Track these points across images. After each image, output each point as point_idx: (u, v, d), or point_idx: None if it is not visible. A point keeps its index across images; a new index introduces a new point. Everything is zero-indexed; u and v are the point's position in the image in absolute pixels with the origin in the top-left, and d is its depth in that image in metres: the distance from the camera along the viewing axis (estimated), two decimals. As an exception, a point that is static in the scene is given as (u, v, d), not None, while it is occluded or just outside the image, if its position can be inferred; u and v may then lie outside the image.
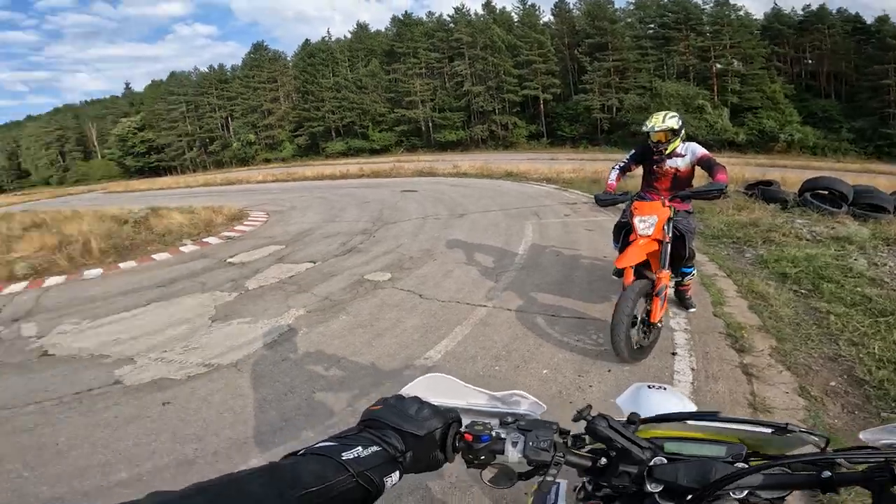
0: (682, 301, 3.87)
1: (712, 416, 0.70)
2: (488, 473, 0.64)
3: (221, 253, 7.49)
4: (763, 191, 8.06)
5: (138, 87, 70.61)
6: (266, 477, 0.47)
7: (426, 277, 5.27)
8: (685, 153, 3.50)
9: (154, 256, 7.77)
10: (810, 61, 42.83)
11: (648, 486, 0.62)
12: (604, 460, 0.65)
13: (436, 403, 0.68)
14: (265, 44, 59.41)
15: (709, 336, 3.46)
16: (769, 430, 0.66)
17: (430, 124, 48.61)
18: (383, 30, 55.51)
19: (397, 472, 0.57)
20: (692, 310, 3.81)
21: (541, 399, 0.71)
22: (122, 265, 7.38)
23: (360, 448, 0.54)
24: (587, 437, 0.67)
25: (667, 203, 3.15)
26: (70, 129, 65.86)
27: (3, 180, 65.79)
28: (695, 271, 3.81)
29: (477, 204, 10.17)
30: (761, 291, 4.15)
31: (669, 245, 3.09)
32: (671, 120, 3.42)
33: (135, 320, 4.79)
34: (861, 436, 0.64)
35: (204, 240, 8.66)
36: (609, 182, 3.69)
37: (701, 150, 3.46)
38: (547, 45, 45.07)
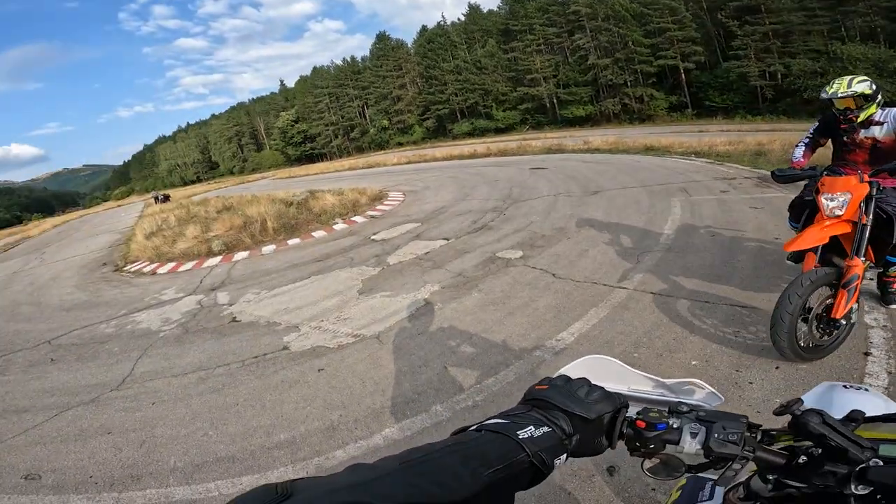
0: (883, 295, 3.21)
1: None
2: (649, 463, 0.61)
3: (366, 230, 8.27)
4: None
5: (290, 83, 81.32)
6: (459, 454, 0.47)
7: (559, 256, 5.11)
8: (885, 119, 2.91)
9: (313, 234, 8.93)
10: None
11: (854, 489, 0.56)
12: (803, 458, 0.59)
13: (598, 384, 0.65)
14: (387, 33, 62.68)
15: None
16: None
17: (555, 100, 47.04)
18: (496, 9, 54.71)
19: (565, 455, 0.56)
20: (893, 306, 3.16)
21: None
22: (289, 242, 8.64)
23: (532, 427, 0.54)
24: (775, 432, 0.62)
25: (865, 178, 2.60)
26: (244, 124, 79.12)
27: (199, 171, 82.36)
28: None
29: (613, 180, 9.48)
30: None
31: (868, 228, 2.56)
32: (861, 84, 2.84)
33: (299, 291, 5.55)
34: None
35: (352, 218, 9.65)
36: (794, 160, 3.25)
37: None
38: (681, 10, 39.87)
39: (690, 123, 34.61)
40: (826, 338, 2.62)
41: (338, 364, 3.56)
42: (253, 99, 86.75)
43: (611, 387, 0.67)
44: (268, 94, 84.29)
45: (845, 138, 3.09)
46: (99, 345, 5.00)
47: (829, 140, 3.26)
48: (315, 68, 69.85)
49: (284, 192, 15.24)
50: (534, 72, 47.11)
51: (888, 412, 0.78)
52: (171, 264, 8.65)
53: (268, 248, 8.41)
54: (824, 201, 2.65)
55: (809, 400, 0.87)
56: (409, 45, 60.49)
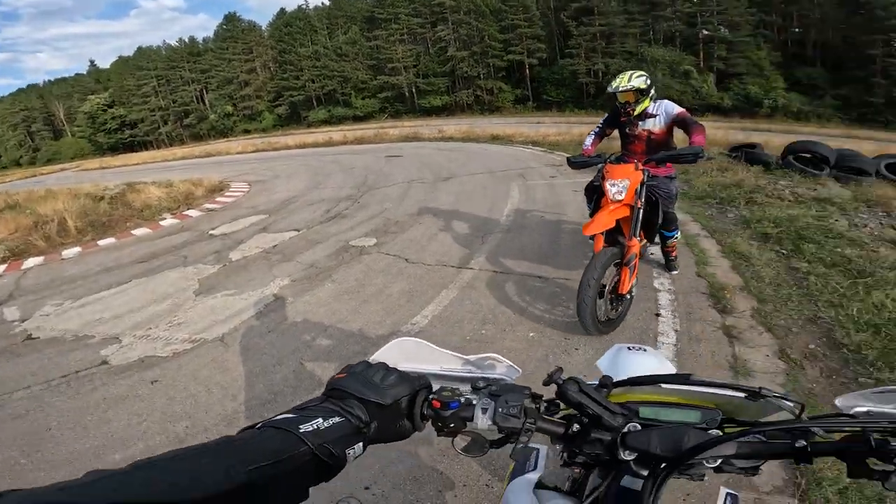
0: (667, 263, 3.81)
1: (685, 378, 0.66)
2: (461, 441, 0.61)
3: (203, 225, 7.34)
4: (747, 153, 8.08)
5: (103, 63, 68.44)
6: (215, 452, 0.44)
7: (412, 241, 5.23)
8: (657, 112, 3.28)
9: (134, 232, 7.59)
10: (798, 29, 42.73)
11: (622, 454, 0.60)
12: (576, 427, 0.62)
13: (407, 369, 0.64)
14: (238, 14, 57.23)
15: (692, 297, 3.45)
16: (742, 395, 0.63)
17: (415, 90, 47.80)
18: (362, -4, 53.64)
19: (361, 444, 0.54)
20: (675, 272, 3.77)
21: (527, 362, 0.68)
22: (100, 242, 7.20)
23: (320, 420, 0.52)
24: (559, 402, 0.64)
25: (640, 166, 2.94)
26: (36, 109, 63.48)
27: None
28: (678, 234, 3.65)
29: (462, 167, 10.04)
30: (744, 251, 4.14)
31: (641, 211, 2.90)
32: (637, 79, 3.18)
33: (118, 298, 4.71)
34: (837, 402, 0.62)
35: (184, 213, 8.46)
36: (584, 147, 3.55)
37: (676, 109, 3.22)
38: (532, 9, 43.98)
39: (531, 115, 38.45)
40: (614, 311, 2.97)
41: (175, 373, 3.13)
42: (49, 80, 70.41)
43: (422, 368, 0.67)
44: (72, 75, 69.14)
45: (627, 130, 3.46)
46: None
47: (616, 130, 3.62)
48: (140, 48, 59.73)
49: (93, 185, 12.66)
50: (395, 61, 47.25)
51: (662, 371, 0.87)
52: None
53: (70, 252, 6.88)
54: (608, 187, 2.94)
55: (603, 364, 0.92)
56: (264, 28, 55.87)
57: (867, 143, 14.29)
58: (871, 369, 2.48)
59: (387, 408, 0.57)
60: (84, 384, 3.14)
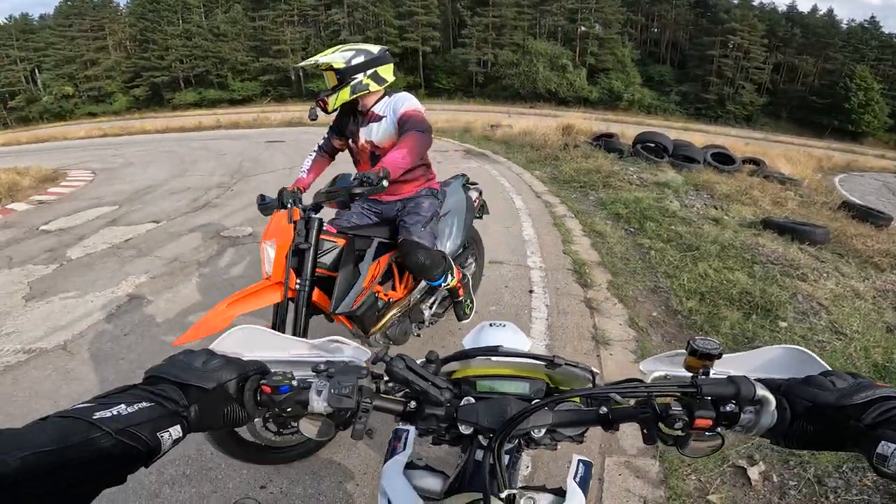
0: (454, 308, 2.62)
1: (493, 350, 0.68)
2: (310, 426, 0.58)
3: (32, 220, 6.13)
4: (605, 142, 9.10)
5: None
6: None
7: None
8: (385, 114, 2.06)
9: (-70, 233, 6.05)
10: (656, 29, 49.03)
11: (461, 429, 0.60)
12: (413, 404, 0.62)
13: (253, 357, 0.62)
14: None
15: (559, 273, 3.74)
16: (543, 364, 0.65)
17: (301, 74, 45.59)
18: (251, -27, 49.29)
19: (178, 426, 0.52)
20: (465, 320, 2.67)
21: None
22: None
23: (122, 406, 0.49)
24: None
25: (304, 213, 1.83)
26: None
27: None
28: (450, 281, 2.35)
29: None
30: (600, 230, 4.64)
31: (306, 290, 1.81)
32: (342, 53, 1.96)
33: None
34: (640, 367, 0.63)
35: (6, 207, 6.98)
36: (299, 174, 2.34)
37: (406, 106, 2.00)
38: None
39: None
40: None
41: (10, 388, 2.61)
42: None
43: (267, 356, 0.64)
44: None
45: (351, 141, 2.20)
46: None
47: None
48: None
49: None
50: (282, 43, 44.79)
51: (518, 344, 0.90)
52: None
53: None
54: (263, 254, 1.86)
55: (467, 341, 0.94)
56: (122, 5, 49.26)
57: (699, 135, 17.06)
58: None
59: (210, 392, 0.55)
60: None
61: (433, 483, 0.68)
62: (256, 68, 45.98)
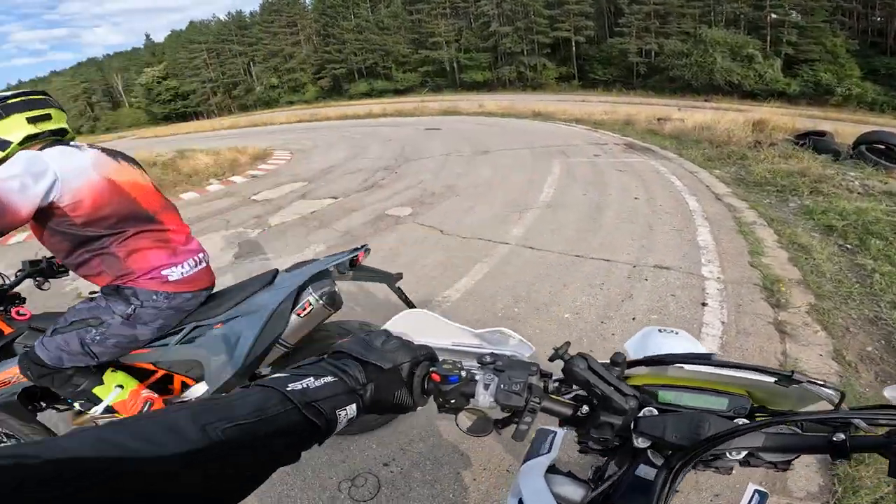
0: None
1: (706, 358, 0.61)
2: (465, 420, 0.57)
3: (246, 191, 7.55)
4: (815, 141, 7.49)
5: (158, 37, 72.23)
6: (191, 411, 0.42)
7: (448, 213, 5.18)
8: None
9: (182, 196, 7.89)
10: (879, 18, 39.12)
11: (636, 441, 0.55)
12: (585, 409, 0.58)
13: (418, 341, 0.61)
14: None
15: (743, 287, 3.21)
16: (772, 380, 0.57)
17: (456, 65, 47.63)
18: (405, -32, 53.45)
19: (354, 406, 0.51)
20: None
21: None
22: (152, 204, 7.55)
23: (311, 379, 0.49)
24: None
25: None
26: (95, 81, 68.13)
27: None
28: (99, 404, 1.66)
29: (502, 142, 9.82)
30: (804, 243, 3.83)
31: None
32: None
33: (165, 255, 4.90)
34: (886, 393, 0.54)
35: (229, 179, 8.73)
36: None
37: None
38: None
39: (575, 93, 37.41)
40: None
41: None
42: (109, 54, 75.52)
43: (433, 342, 0.64)
44: (129, 49, 73.69)
45: None
46: None
47: None
48: (192, 23, 63.15)
49: (147, 151, 13.24)
50: (437, 35, 47.21)
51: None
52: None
53: (126, 214, 7.27)
54: None
55: (631, 346, 0.87)
56: (307, 2, 56.98)
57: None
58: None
59: (385, 372, 0.54)
60: None
61: (574, 492, 0.62)
62: (416, 60, 49.19)
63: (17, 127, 1.43)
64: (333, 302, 1.67)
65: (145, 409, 1.62)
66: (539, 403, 0.55)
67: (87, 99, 66.93)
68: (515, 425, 0.55)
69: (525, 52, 44.44)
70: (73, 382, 1.54)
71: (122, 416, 1.57)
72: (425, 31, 48.02)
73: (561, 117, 14.02)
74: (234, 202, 6.93)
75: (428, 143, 10.46)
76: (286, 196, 6.81)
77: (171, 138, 24.36)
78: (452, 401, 0.56)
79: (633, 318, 2.88)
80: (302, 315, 1.63)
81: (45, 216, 1.39)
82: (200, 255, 1.67)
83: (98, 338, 1.49)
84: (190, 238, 1.69)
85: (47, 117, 1.48)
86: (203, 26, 61.39)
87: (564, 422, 0.59)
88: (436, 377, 0.56)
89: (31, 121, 1.44)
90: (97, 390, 1.57)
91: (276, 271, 1.78)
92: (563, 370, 0.57)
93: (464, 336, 0.65)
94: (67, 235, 1.44)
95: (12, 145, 1.42)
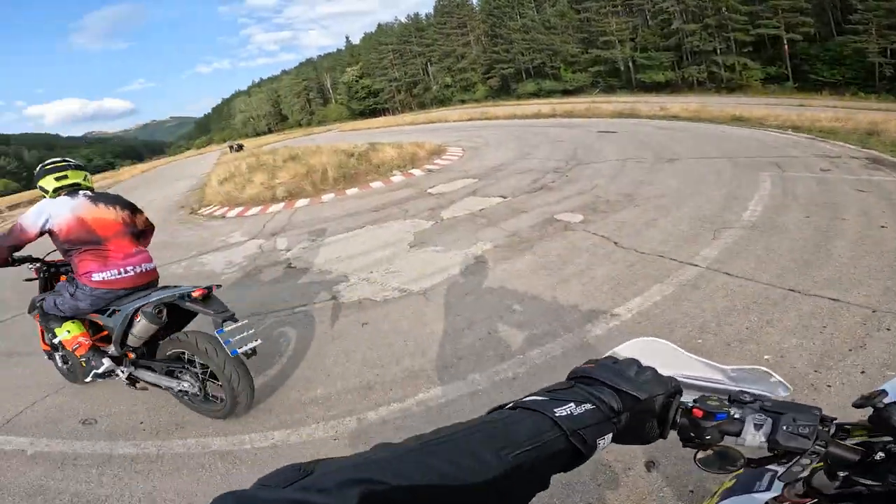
0: None
1: None
2: (703, 454, 0.56)
3: (423, 184, 8.19)
4: None
5: (356, 39, 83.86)
6: (484, 433, 0.45)
7: (624, 224, 4.75)
8: None
9: (371, 184, 8.97)
10: None
11: None
12: (881, 455, 0.54)
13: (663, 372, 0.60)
14: None
15: None
16: None
17: (631, 64, 44.90)
18: (574, -33, 51.67)
19: (610, 435, 0.52)
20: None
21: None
22: (348, 191, 8.75)
23: (572, 405, 0.50)
24: (850, 426, 0.57)
25: None
26: (311, 79, 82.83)
27: (270, 123, 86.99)
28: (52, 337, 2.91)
29: (692, 149, 8.65)
30: None
31: None
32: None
33: (352, 240, 5.59)
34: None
35: (409, 171, 9.59)
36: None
37: None
38: None
39: (789, 97, 31.43)
40: None
41: (382, 319, 3.49)
42: (320, 55, 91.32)
43: (670, 372, 0.61)
44: (334, 50, 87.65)
45: None
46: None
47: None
48: (380, 25, 71.96)
49: (347, 143, 15.40)
50: (608, 34, 45.27)
51: None
52: (239, 209, 9.07)
53: (327, 197, 8.57)
54: None
55: (893, 390, 0.72)
56: (475, 3, 59.75)
57: None
58: None
59: (641, 402, 0.53)
60: (316, 316, 3.72)
61: None
62: (586, 59, 47.44)
63: (49, 183, 2.58)
64: (155, 319, 2.40)
65: (76, 347, 2.61)
66: (825, 447, 0.54)
67: (305, 95, 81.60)
68: (779, 465, 0.55)
69: (718, 51, 39.27)
70: (50, 323, 2.67)
71: (67, 349, 2.69)
72: (595, 30, 46.39)
73: (771, 123, 11.75)
74: (412, 193, 7.57)
75: (602, 146, 9.84)
76: (458, 191, 7.15)
77: (365, 132, 27.97)
78: (707, 437, 0.55)
79: (862, 372, 2.26)
80: (138, 320, 2.43)
81: (50, 237, 2.50)
82: (130, 267, 2.56)
83: (60, 302, 2.58)
84: (129, 256, 2.59)
85: (65, 177, 2.60)
86: (388, 28, 68.68)
87: (843, 467, 0.55)
88: (698, 412, 0.56)
89: (57, 179, 2.58)
90: (57, 329, 2.65)
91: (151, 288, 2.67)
92: (871, 418, 0.55)
93: (706, 370, 0.64)
94: (59, 248, 2.56)
95: (49, 193, 2.58)
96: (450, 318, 3.35)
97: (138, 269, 2.58)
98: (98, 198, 2.61)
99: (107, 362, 2.59)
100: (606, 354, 0.62)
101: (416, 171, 9.49)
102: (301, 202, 8.56)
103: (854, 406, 0.56)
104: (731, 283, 3.31)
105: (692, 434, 0.56)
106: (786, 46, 36.90)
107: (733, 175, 6.33)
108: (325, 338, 3.38)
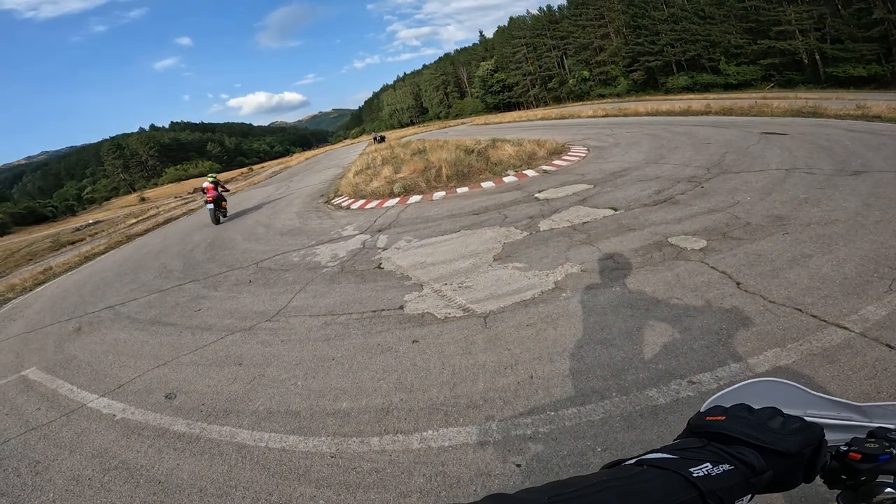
0: None
1: None
2: (846, 492, 0.55)
3: (532, 186, 7.75)
4: None
5: (489, 33, 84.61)
6: (615, 491, 0.45)
7: (760, 258, 3.73)
8: None
9: (482, 184, 8.82)
10: None
11: None
12: None
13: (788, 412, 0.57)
14: None
15: None
16: None
17: (818, 56, 38.30)
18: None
19: (748, 496, 0.49)
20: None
21: None
22: (458, 190, 8.74)
23: (709, 465, 0.48)
24: None
25: None
26: (449, 73, 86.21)
27: (412, 115, 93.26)
28: None
29: (891, 159, 6.58)
30: None
31: None
32: None
33: (442, 245, 5.49)
34: None
35: (524, 171, 9.20)
36: None
37: None
38: None
39: None
40: None
41: (433, 339, 3.34)
42: (457, 50, 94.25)
43: (802, 413, 0.59)
44: (470, 44, 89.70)
45: None
46: (283, 272, 5.79)
47: None
48: (512, 19, 71.47)
49: (471, 139, 15.50)
50: (784, 23, 39.36)
51: None
52: (362, 201, 9.75)
53: (438, 195, 8.68)
54: None
55: None
56: None
57: None
58: None
59: (788, 457, 0.50)
60: (378, 324, 3.72)
61: None
62: (755, 51, 41.46)
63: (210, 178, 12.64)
64: None
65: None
66: None
67: (444, 89, 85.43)
68: None
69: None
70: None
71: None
72: (765, 20, 40.42)
73: None
74: (518, 197, 7.21)
75: (762, 151, 8.11)
76: (566, 198, 6.57)
77: (495, 126, 27.97)
78: (863, 478, 0.53)
79: None
80: None
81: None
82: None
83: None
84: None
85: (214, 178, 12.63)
86: (521, 21, 67.42)
87: None
88: (855, 455, 0.54)
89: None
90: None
91: None
92: None
93: (834, 407, 0.62)
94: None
95: (209, 179, 12.59)
96: (498, 351, 3.04)
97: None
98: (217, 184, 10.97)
99: None
100: (718, 395, 0.60)
101: (531, 172, 9.04)
102: (413, 198, 8.81)
103: None
104: (890, 359, 2.35)
105: (844, 476, 0.54)
106: None
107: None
108: (376, 349, 3.36)
